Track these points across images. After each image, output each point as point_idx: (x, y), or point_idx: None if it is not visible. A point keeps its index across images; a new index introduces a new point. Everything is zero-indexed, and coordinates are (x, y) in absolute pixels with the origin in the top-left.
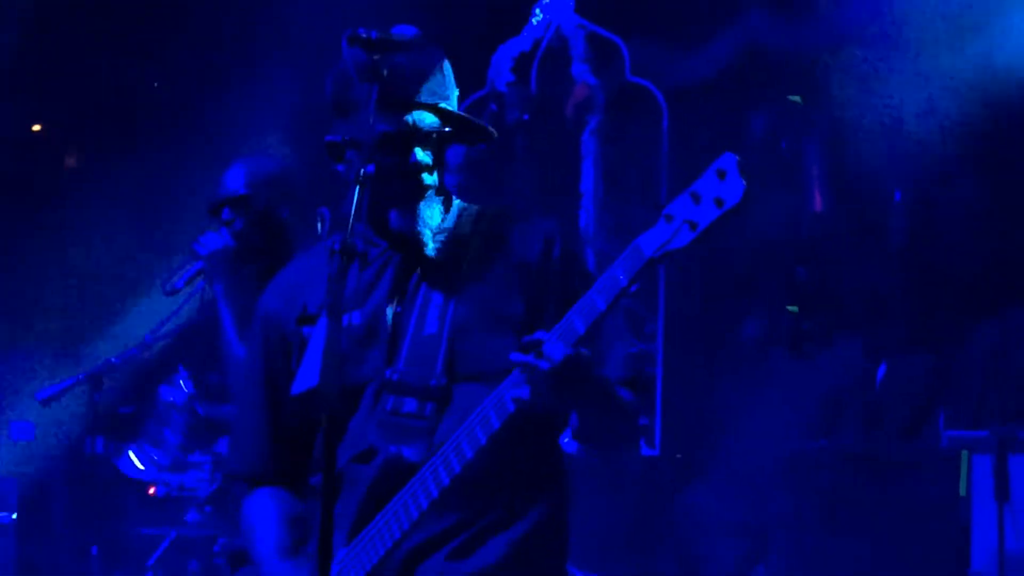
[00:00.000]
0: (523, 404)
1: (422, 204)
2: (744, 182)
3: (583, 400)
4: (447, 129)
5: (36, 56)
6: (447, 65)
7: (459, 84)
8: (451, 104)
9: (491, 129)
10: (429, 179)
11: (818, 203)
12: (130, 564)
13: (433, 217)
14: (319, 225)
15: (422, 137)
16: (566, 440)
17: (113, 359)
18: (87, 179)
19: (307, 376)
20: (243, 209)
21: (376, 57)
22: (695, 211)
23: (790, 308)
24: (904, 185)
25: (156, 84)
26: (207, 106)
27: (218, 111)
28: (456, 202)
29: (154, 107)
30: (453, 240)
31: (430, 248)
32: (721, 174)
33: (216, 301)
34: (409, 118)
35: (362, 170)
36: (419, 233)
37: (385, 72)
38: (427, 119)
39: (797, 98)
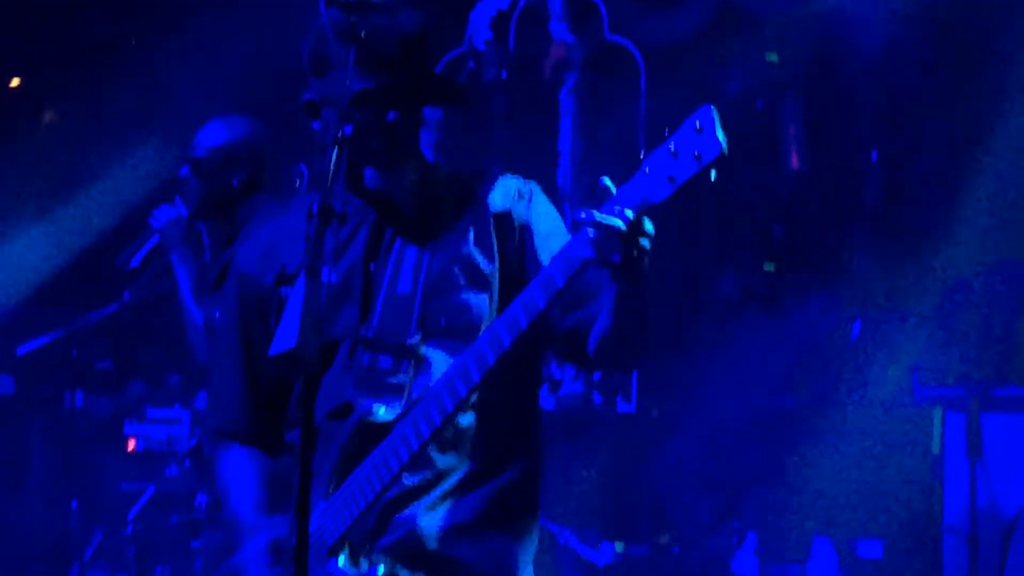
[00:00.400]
0: (589, 264)
1: (397, 164)
2: (722, 137)
3: (638, 275)
4: (425, 89)
5: (13, 10)
6: (426, 27)
7: (437, 41)
8: (429, 66)
9: (468, 92)
10: (405, 139)
11: (795, 162)
12: (110, 518)
13: (408, 176)
14: (297, 181)
15: (400, 96)
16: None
17: (93, 315)
18: (65, 133)
19: (285, 337)
20: (197, 171)
21: (354, 18)
22: (673, 165)
23: (766, 265)
24: (881, 144)
25: (134, 42)
26: (186, 62)
27: (196, 67)
28: (431, 162)
29: (133, 63)
30: (427, 198)
31: (404, 206)
32: (699, 128)
33: (172, 270)
34: (387, 76)
35: (340, 131)
36: (394, 191)
37: (363, 33)
38: (405, 78)
39: (774, 57)
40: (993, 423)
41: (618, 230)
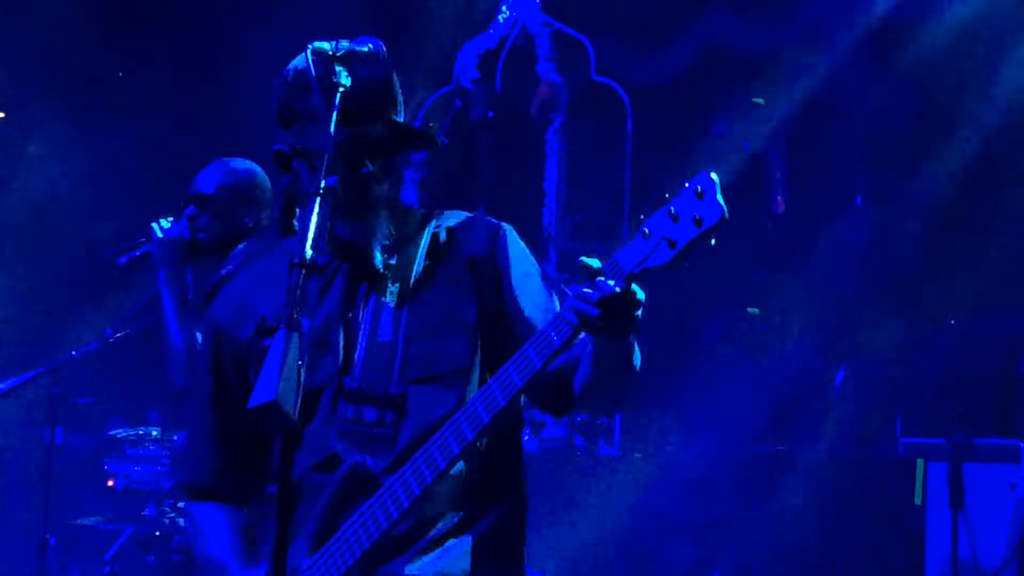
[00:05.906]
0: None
1: (370, 215)
2: (723, 202)
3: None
4: (392, 138)
5: None
6: (394, 76)
7: (425, 80)
8: (398, 115)
9: (436, 137)
10: (378, 190)
11: (780, 205)
12: (87, 556)
13: (381, 228)
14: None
15: (370, 148)
16: (526, 438)
17: (74, 353)
18: (50, 165)
19: (264, 390)
20: (207, 208)
21: (334, 70)
22: (673, 229)
23: (750, 310)
24: (865, 190)
25: (120, 73)
26: (171, 96)
27: (184, 102)
28: (405, 206)
29: (118, 95)
30: (402, 245)
31: (378, 260)
32: (699, 193)
33: (158, 288)
34: (357, 129)
35: (322, 183)
36: (364, 242)
37: (348, 83)
38: (375, 130)
39: (760, 100)
40: (975, 474)
41: (599, 312)
